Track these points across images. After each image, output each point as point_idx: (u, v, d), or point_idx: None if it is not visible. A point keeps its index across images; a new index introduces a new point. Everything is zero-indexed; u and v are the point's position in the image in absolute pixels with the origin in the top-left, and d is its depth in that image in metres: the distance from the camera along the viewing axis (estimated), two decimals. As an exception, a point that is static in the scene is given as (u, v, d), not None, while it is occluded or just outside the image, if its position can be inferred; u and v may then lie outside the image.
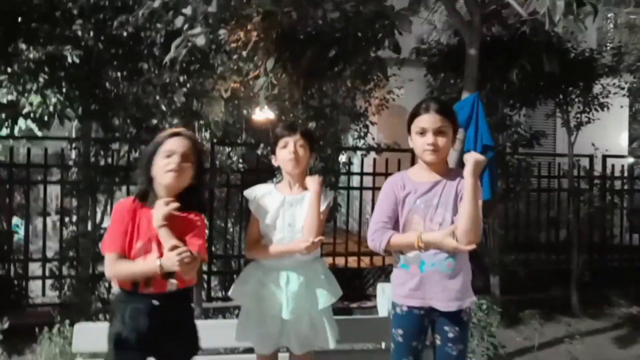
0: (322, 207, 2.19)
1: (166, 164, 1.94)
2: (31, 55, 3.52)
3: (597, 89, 5.70)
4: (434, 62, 5.61)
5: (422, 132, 2.06)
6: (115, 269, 1.92)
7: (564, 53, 5.22)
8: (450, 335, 2.06)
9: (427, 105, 2.09)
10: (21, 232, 5.25)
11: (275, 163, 2.31)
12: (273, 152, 2.30)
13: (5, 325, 3.26)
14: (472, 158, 1.97)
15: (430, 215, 2.04)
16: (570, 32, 4.40)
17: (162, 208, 1.89)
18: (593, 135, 6.06)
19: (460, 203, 2.01)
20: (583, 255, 5.87)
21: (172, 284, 1.92)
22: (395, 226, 2.09)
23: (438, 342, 2.09)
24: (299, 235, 2.18)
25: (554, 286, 5.82)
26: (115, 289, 2.10)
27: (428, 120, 2.06)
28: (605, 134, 6.99)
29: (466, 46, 3.79)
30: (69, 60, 3.56)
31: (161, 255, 1.89)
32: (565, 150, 6.02)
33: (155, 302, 1.91)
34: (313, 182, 2.21)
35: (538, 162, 6.41)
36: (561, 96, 5.62)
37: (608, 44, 6.72)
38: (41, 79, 3.67)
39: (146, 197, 1.99)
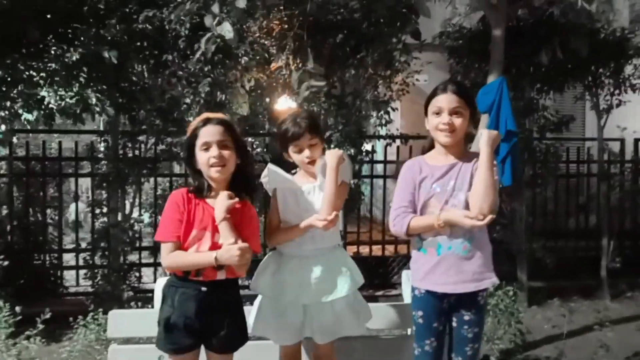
0: (341, 180, 2.12)
1: (207, 158, 1.94)
2: (69, 55, 3.60)
3: (628, 70, 5.51)
4: (457, 47, 5.52)
5: (438, 112, 2.06)
6: (170, 258, 1.95)
7: (593, 33, 5.06)
8: (467, 317, 2.07)
9: (445, 86, 2.09)
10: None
11: (289, 159, 2.25)
12: (285, 149, 2.22)
13: (48, 315, 3.38)
14: (485, 130, 2.02)
15: (446, 198, 2.04)
16: (601, 11, 4.27)
17: (224, 202, 1.90)
18: (624, 118, 5.88)
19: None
20: (613, 241, 5.74)
21: (222, 274, 1.95)
22: (415, 210, 2.10)
23: (454, 324, 2.10)
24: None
25: (584, 273, 5.72)
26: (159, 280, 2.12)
27: (444, 100, 2.06)
28: (637, 117, 6.77)
29: (491, 29, 3.72)
30: (107, 60, 3.62)
31: (213, 245, 1.91)
32: (595, 135, 5.87)
33: (204, 288, 1.94)
34: (331, 156, 2.14)
35: (567, 147, 6.28)
36: (590, 78, 5.46)
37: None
38: (81, 79, 3.75)
39: (201, 190, 2.00)
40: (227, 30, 2.85)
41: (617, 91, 5.51)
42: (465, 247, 2.03)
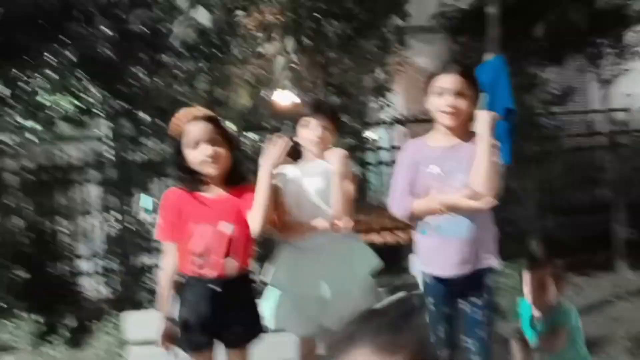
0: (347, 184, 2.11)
1: (199, 156, 1.92)
2: (64, 57, 3.60)
3: (629, 37, 5.43)
4: (454, 26, 5.47)
5: (441, 93, 2.00)
6: (164, 258, 2.02)
7: (590, 2, 4.99)
8: (476, 300, 2.04)
9: (448, 66, 2.04)
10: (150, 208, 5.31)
11: (299, 141, 2.22)
12: (296, 129, 2.21)
13: (75, 324, 3.41)
14: (482, 112, 1.98)
15: (447, 180, 2.00)
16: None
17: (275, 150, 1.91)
18: (629, 87, 5.81)
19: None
20: (626, 213, 5.68)
21: (231, 263, 1.95)
22: (415, 192, 2.07)
23: (465, 307, 2.07)
24: (323, 207, 2.12)
25: (598, 246, 5.67)
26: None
27: (448, 80, 1.99)
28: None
29: (486, 5, 3.68)
30: (104, 57, 3.61)
31: (214, 235, 1.92)
32: (599, 106, 5.80)
33: (216, 287, 1.94)
34: (335, 159, 2.11)
35: (571, 120, 6.20)
36: (590, 49, 5.39)
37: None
38: (77, 80, 3.76)
39: (194, 186, 2.00)
40: (203, 15, 2.80)
41: (619, 60, 5.44)
42: (468, 228, 1.99)
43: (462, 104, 1.99)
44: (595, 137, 6.33)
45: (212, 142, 1.94)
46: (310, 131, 2.14)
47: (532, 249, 5.21)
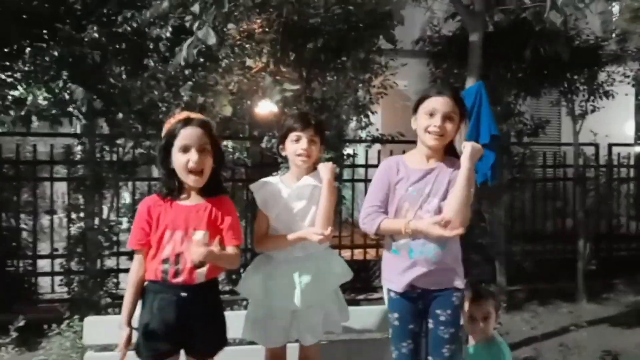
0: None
1: (186, 162, 1.90)
2: (47, 55, 3.52)
3: (602, 77, 5.66)
4: (436, 52, 5.60)
5: (432, 114, 2.03)
6: (133, 263, 1.98)
7: (568, 40, 5.19)
8: (442, 318, 2.05)
9: (442, 89, 2.08)
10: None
11: (283, 153, 2.24)
12: (282, 142, 2.22)
13: (22, 323, 3.28)
14: (469, 144, 2.01)
15: (421, 203, 2.03)
16: (574, 18, 4.37)
17: (199, 249, 1.81)
18: (598, 124, 6.03)
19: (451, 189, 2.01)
20: (590, 244, 5.86)
21: (201, 274, 1.92)
22: (387, 211, 2.09)
23: (430, 325, 2.09)
24: (308, 225, 2.13)
25: (561, 275, 5.82)
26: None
27: (440, 102, 2.03)
28: (611, 123, 6.95)
29: (469, 34, 3.78)
30: (89, 59, 3.55)
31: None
32: (571, 139, 6.01)
33: (183, 294, 1.90)
34: (326, 169, 2.14)
35: (543, 151, 6.40)
36: (566, 85, 5.59)
37: (613, 31, 6.66)
38: (59, 80, 3.68)
39: (171, 192, 1.97)
40: (209, 35, 2.82)
41: (591, 97, 5.65)
42: (437, 252, 2.02)
43: (449, 127, 2.04)
44: (564, 169, 6.55)
45: (201, 149, 1.93)
46: (299, 146, 2.16)
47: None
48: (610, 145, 6.56)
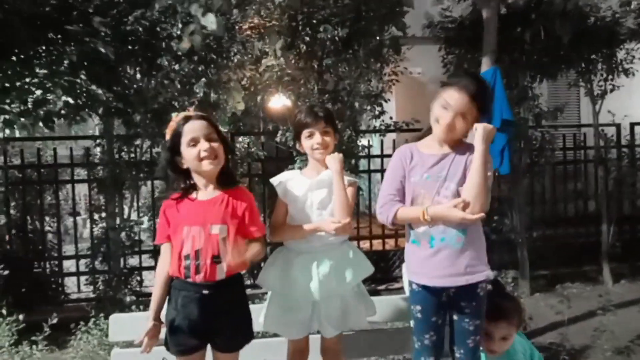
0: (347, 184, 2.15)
1: (198, 152, 1.92)
2: (66, 56, 3.56)
3: (621, 54, 5.51)
4: (449, 37, 5.51)
5: (445, 107, 1.97)
6: (160, 259, 2.02)
7: (583, 18, 5.05)
8: (467, 310, 2.01)
9: (466, 84, 1.97)
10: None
11: (300, 149, 2.28)
12: (297, 139, 2.26)
13: (55, 320, 3.37)
14: (481, 126, 1.96)
15: (437, 189, 1.98)
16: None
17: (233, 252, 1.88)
18: (618, 103, 5.89)
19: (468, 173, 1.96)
20: (613, 226, 5.75)
21: (222, 270, 1.92)
22: (404, 199, 2.05)
23: (455, 317, 2.05)
24: (328, 217, 2.14)
25: (584, 259, 5.73)
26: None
27: (456, 99, 1.95)
28: (631, 101, 6.78)
29: (483, 15, 3.70)
30: (104, 57, 3.58)
31: (207, 238, 1.91)
32: (590, 120, 5.87)
33: (205, 291, 1.92)
34: (333, 160, 2.16)
35: (563, 134, 6.28)
36: (583, 65, 5.46)
37: (630, 6, 6.45)
38: (78, 79, 3.72)
39: (185, 191, 2.00)
40: (210, 21, 2.80)
41: (610, 76, 5.51)
42: (459, 239, 1.97)
43: (460, 124, 1.98)
44: (585, 151, 6.42)
45: (209, 138, 1.94)
46: (314, 141, 2.19)
47: (520, 259, 5.21)
48: (632, 125, 6.40)
